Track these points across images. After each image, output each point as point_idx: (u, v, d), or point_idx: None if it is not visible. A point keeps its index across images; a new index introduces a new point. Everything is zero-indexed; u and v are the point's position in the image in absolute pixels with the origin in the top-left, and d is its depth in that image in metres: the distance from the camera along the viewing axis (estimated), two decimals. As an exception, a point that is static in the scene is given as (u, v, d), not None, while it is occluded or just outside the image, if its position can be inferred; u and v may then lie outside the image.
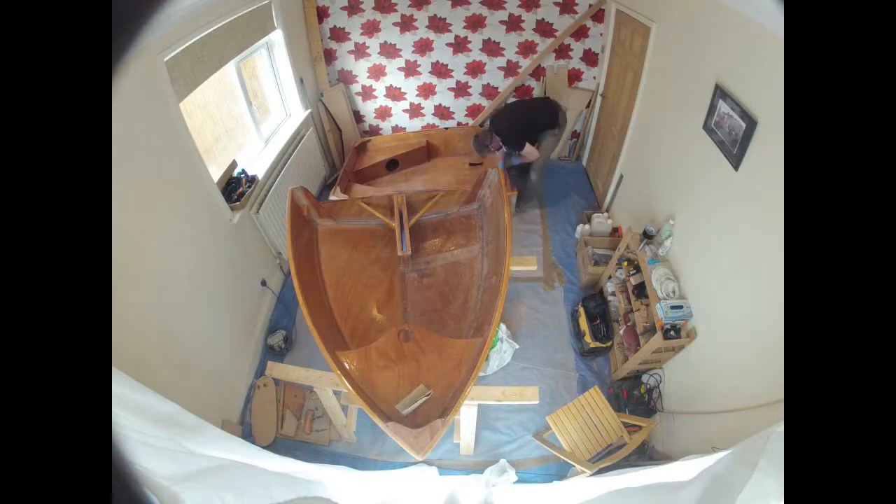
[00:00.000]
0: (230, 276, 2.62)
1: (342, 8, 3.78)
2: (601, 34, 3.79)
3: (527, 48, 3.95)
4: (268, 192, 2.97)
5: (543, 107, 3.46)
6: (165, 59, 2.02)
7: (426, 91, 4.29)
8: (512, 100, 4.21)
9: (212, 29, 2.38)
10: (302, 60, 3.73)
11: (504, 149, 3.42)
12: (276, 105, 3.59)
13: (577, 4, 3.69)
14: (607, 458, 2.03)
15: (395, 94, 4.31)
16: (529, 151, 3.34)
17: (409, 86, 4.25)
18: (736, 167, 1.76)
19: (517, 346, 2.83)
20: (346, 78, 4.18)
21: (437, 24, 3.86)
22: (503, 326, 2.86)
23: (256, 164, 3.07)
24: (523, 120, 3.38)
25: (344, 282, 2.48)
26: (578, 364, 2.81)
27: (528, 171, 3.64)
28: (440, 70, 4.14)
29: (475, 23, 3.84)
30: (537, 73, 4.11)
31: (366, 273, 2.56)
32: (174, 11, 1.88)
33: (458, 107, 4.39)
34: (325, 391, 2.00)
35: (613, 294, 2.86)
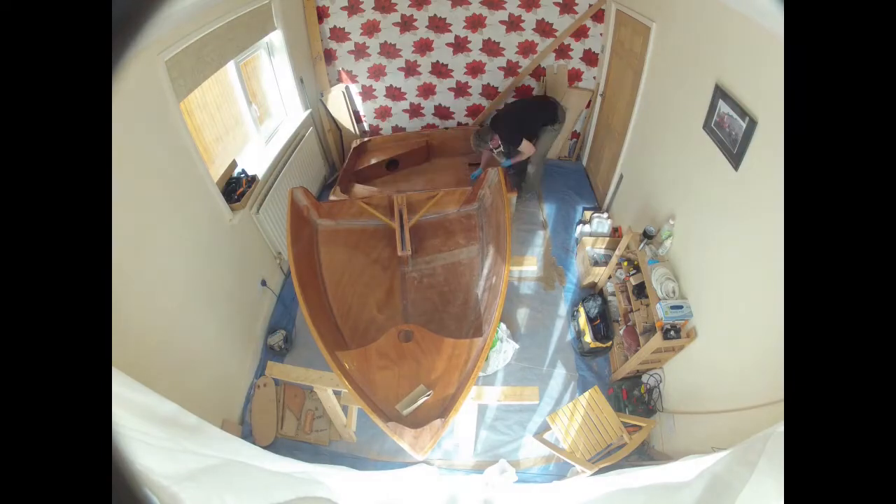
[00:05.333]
0: (230, 276, 2.62)
1: (342, 8, 3.78)
2: (601, 34, 3.79)
3: (527, 48, 3.95)
4: (268, 192, 2.97)
5: (541, 104, 3.60)
6: (165, 58, 2.02)
7: (426, 91, 4.29)
8: (511, 99, 4.25)
9: (212, 29, 2.38)
10: (302, 60, 3.73)
11: (501, 147, 3.48)
12: (275, 105, 3.59)
13: (577, 4, 3.69)
14: (607, 458, 2.04)
15: (395, 94, 4.30)
16: (526, 147, 3.43)
17: (409, 86, 4.25)
18: (736, 167, 1.76)
19: (517, 346, 2.83)
20: (346, 78, 4.18)
21: (437, 24, 3.86)
22: (503, 326, 2.86)
23: (256, 164, 3.07)
24: (522, 117, 3.48)
25: (344, 282, 2.48)
26: (578, 364, 2.81)
27: (526, 165, 3.71)
28: (440, 70, 4.13)
29: (475, 23, 3.84)
30: (537, 73, 4.11)
31: (366, 273, 2.56)
32: (174, 11, 1.88)
33: (458, 107, 4.39)
34: (325, 391, 2.00)
35: (613, 294, 2.86)
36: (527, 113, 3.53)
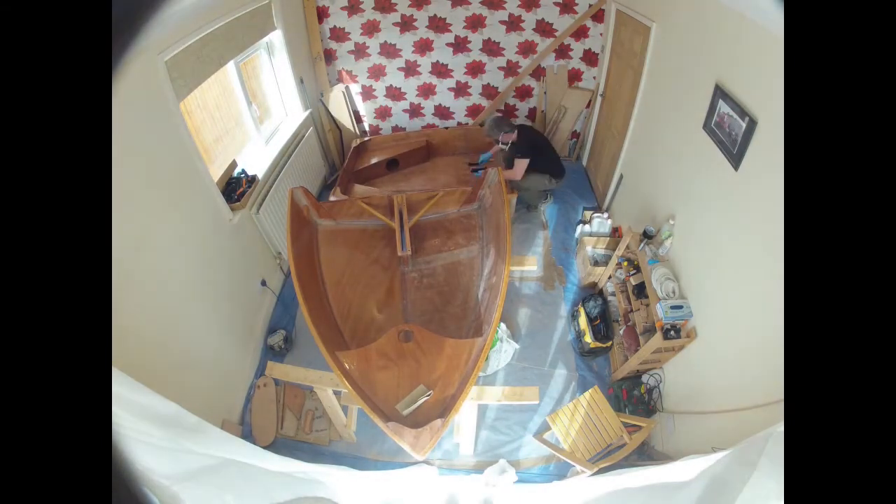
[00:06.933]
0: (230, 276, 2.62)
1: (342, 8, 3.78)
2: (601, 34, 3.79)
3: (527, 48, 3.95)
4: (268, 192, 2.97)
5: (553, 156, 3.66)
6: (165, 59, 2.02)
7: (426, 91, 4.29)
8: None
9: (212, 29, 2.38)
10: (302, 60, 3.73)
11: (505, 148, 3.42)
12: (276, 105, 3.59)
13: (577, 4, 3.69)
14: (607, 458, 2.04)
15: (395, 94, 4.31)
16: (520, 166, 3.33)
17: (409, 86, 4.25)
18: (736, 167, 1.76)
19: (517, 346, 2.83)
20: (346, 78, 4.18)
21: (437, 24, 3.86)
22: (503, 326, 2.86)
23: (256, 164, 3.07)
24: (544, 147, 3.56)
25: (344, 282, 2.48)
26: (578, 364, 2.81)
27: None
28: (440, 70, 4.14)
29: (475, 23, 3.84)
30: (537, 73, 4.11)
31: (366, 273, 2.56)
32: (174, 11, 1.88)
33: (458, 107, 4.39)
34: (325, 391, 2.00)
35: (613, 294, 2.86)
36: (548, 149, 3.61)
